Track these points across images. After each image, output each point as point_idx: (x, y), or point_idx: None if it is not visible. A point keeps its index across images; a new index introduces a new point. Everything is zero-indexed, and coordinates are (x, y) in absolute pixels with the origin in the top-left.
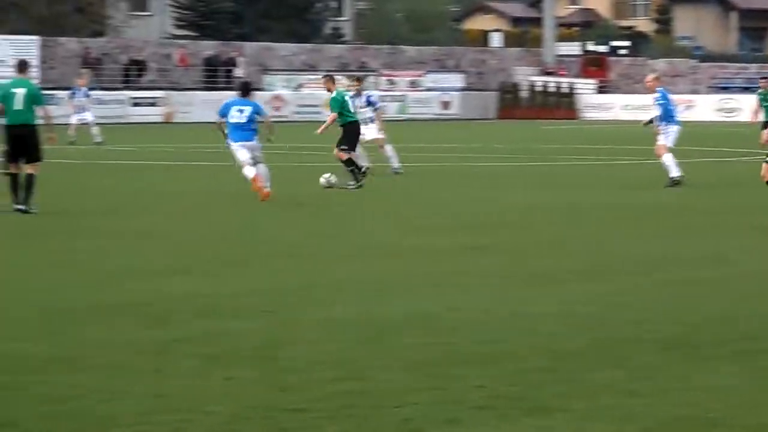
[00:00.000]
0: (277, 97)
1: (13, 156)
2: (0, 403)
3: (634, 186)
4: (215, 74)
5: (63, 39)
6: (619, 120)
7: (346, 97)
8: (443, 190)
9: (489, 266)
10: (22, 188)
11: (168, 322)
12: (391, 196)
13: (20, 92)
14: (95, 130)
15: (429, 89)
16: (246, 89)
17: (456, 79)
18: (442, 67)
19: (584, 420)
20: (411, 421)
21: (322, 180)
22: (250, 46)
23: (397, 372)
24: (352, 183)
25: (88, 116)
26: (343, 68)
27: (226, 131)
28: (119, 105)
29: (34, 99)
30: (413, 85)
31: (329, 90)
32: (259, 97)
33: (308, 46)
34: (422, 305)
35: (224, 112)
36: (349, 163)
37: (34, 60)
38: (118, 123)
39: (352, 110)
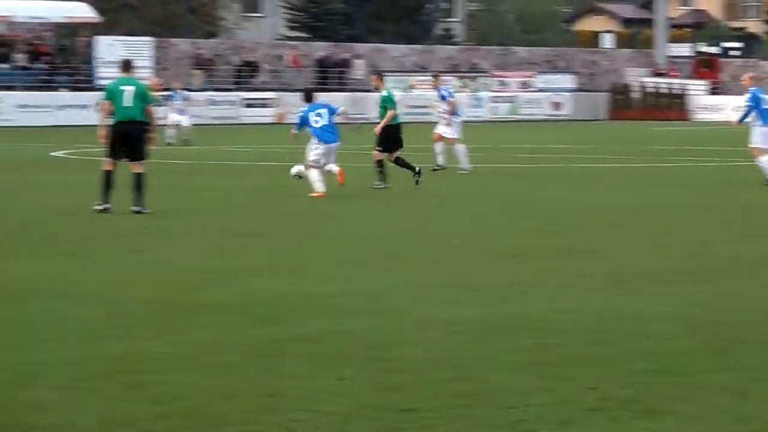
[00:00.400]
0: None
1: (116, 153)
2: (118, 402)
3: (743, 187)
4: (327, 75)
5: (176, 40)
6: (731, 121)
7: (395, 97)
8: (550, 190)
9: (596, 267)
10: (132, 189)
11: (278, 322)
12: (495, 196)
13: (129, 90)
14: (187, 131)
15: (540, 90)
16: (309, 95)
17: (567, 80)
18: (553, 68)
19: (695, 423)
20: (524, 423)
21: (293, 171)
22: (361, 48)
23: (508, 373)
24: (379, 183)
25: (184, 119)
26: (453, 69)
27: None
28: (231, 106)
29: (142, 97)
30: (524, 86)
31: (377, 89)
32: (370, 98)
33: (419, 47)
34: (531, 306)
35: (306, 122)
36: (381, 165)
37: (147, 61)
38: (230, 124)
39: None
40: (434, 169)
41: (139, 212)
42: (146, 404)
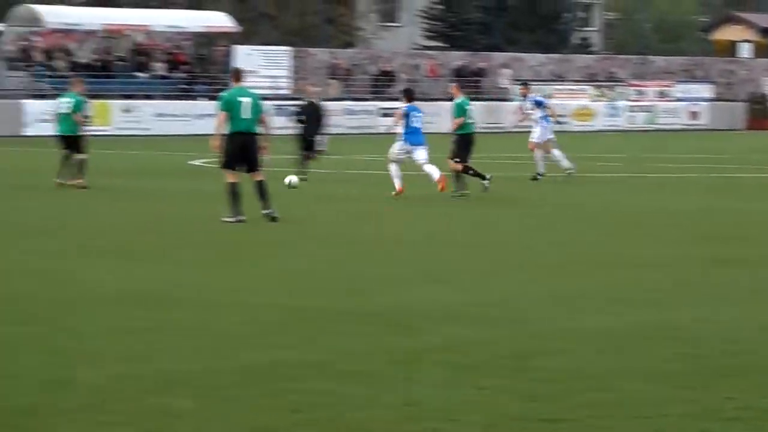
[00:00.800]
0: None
1: (234, 163)
2: (256, 410)
3: None
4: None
5: (313, 50)
6: None
7: (467, 106)
8: (686, 200)
9: (733, 277)
10: (258, 197)
11: (418, 331)
12: (625, 205)
13: (247, 101)
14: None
15: (677, 99)
16: (411, 95)
17: (704, 90)
18: (691, 78)
19: None
20: None
21: (285, 180)
22: (498, 57)
23: (646, 382)
24: (486, 181)
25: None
26: (590, 78)
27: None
28: (368, 115)
29: (258, 108)
30: (662, 95)
31: (454, 97)
32: (504, 107)
33: (556, 56)
34: (668, 316)
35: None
36: (467, 170)
37: (285, 71)
38: (367, 133)
39: (470, 120)
40: (534, 178)
41: (271, 215)
42: (285, 413)
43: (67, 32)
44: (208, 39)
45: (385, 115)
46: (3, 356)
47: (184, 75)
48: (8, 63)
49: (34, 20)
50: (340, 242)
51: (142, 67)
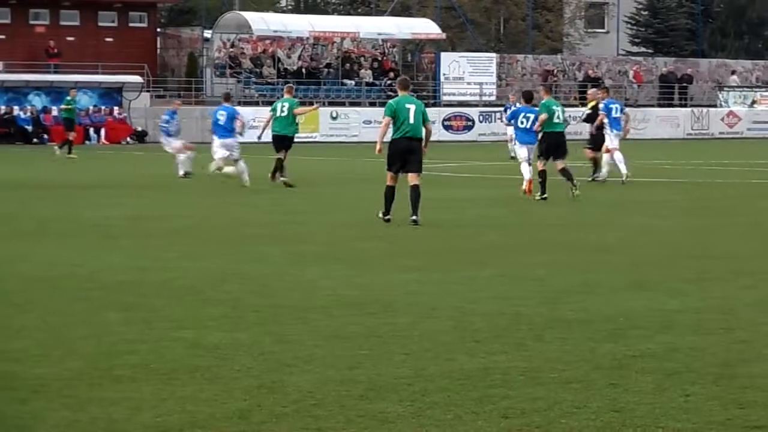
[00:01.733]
0: (732, 113)
1: (397, 166)
2: (466, 416)
3: None
4: (670, 91)
5: (520, 56)
6: None
7: (555, 106)
8: None
9: None
10: (411, 201)
11: (626, 338)
12: None
13: (413, 108)
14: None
15: None
16: (530, 97)
17: None
18: None
19: None
20: None
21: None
22: (704, 63)
23: None
24: (539, 194)
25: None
26: None
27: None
28: (573, 121)
29: (423, 115)
30: None
31: (543, 98)
32: (713, 113)
33: (762, 62)
34: None
35: (515, 118)
36: (565, 173)
37: (491, 77)
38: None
39: (557, 120)
40: (592, 179)
41: (415, 222)
42: (496, 418)
43: (274, 39)
44: (414, 46)
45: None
46: (218, 361)
47: (390, 82)
48: (217, 70)
49: (243, 27)
50: (546, 249)
51: (350, 75)
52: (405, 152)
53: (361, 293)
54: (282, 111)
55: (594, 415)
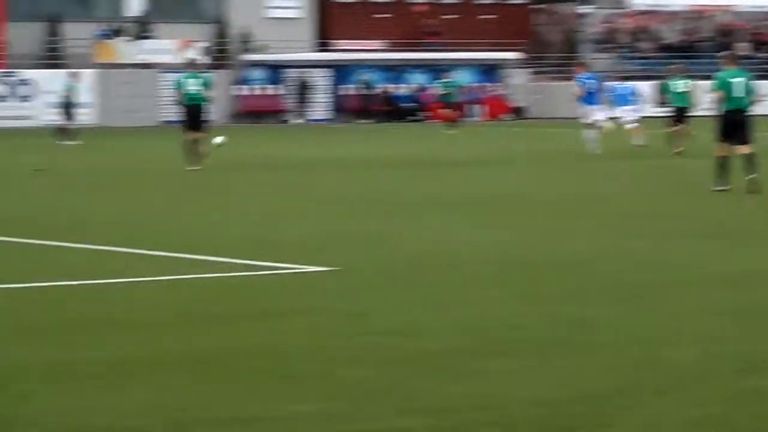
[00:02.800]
0: None
1: (728, 138)
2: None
3: None
4: None
5: None
6: None
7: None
8: None
9: None
10: (745, 165)
11: None
12: None
13: (739, 81)
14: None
15: None
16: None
17: None
18: None
19: None
20: None
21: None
22: None
23: None
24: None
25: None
26: None
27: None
28: None
29: (749, 89)
30: None
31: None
32: None
33: None
34: None
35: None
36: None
37: None
38: None
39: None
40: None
41: (753, 180)
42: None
43: (652, 13)
44: None
45: None
46: (594, 336)
47: (766, 55)
48: (595, 45)
49: (620, 2)
50: None
51: (726, 48)
52: (734, 125)
53: (733, 269)
54: (682, 87)
55: None
